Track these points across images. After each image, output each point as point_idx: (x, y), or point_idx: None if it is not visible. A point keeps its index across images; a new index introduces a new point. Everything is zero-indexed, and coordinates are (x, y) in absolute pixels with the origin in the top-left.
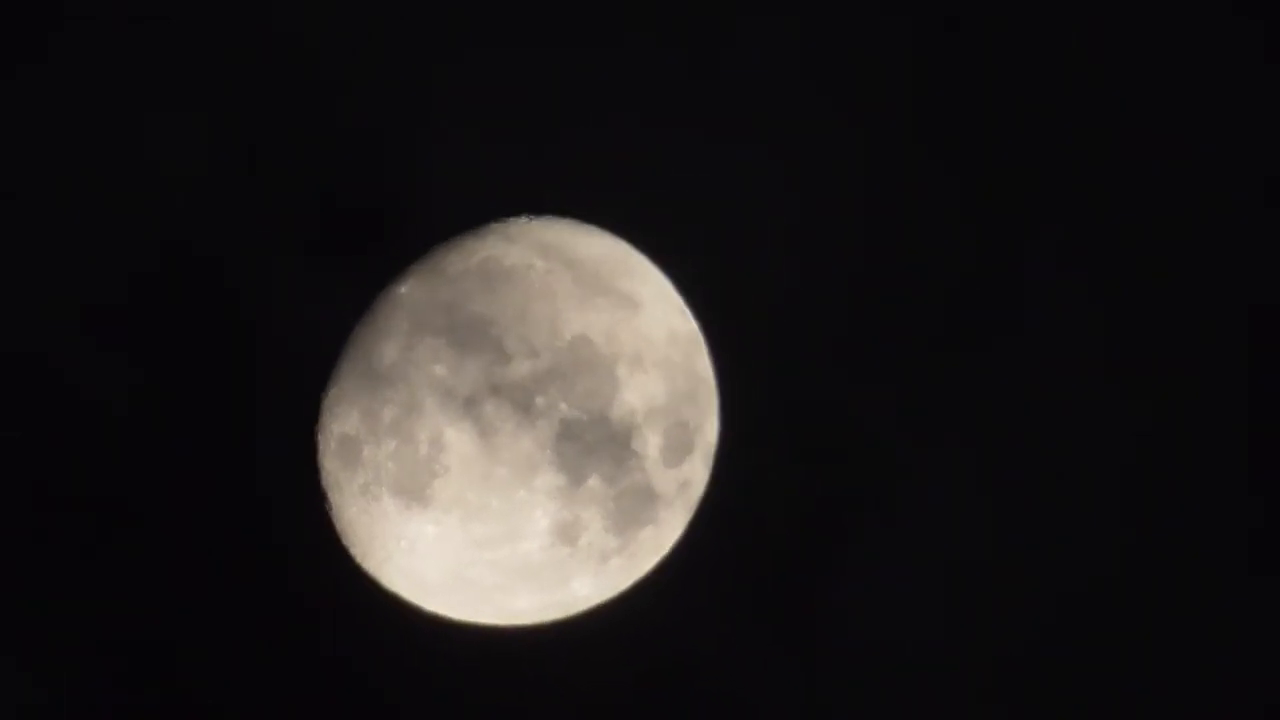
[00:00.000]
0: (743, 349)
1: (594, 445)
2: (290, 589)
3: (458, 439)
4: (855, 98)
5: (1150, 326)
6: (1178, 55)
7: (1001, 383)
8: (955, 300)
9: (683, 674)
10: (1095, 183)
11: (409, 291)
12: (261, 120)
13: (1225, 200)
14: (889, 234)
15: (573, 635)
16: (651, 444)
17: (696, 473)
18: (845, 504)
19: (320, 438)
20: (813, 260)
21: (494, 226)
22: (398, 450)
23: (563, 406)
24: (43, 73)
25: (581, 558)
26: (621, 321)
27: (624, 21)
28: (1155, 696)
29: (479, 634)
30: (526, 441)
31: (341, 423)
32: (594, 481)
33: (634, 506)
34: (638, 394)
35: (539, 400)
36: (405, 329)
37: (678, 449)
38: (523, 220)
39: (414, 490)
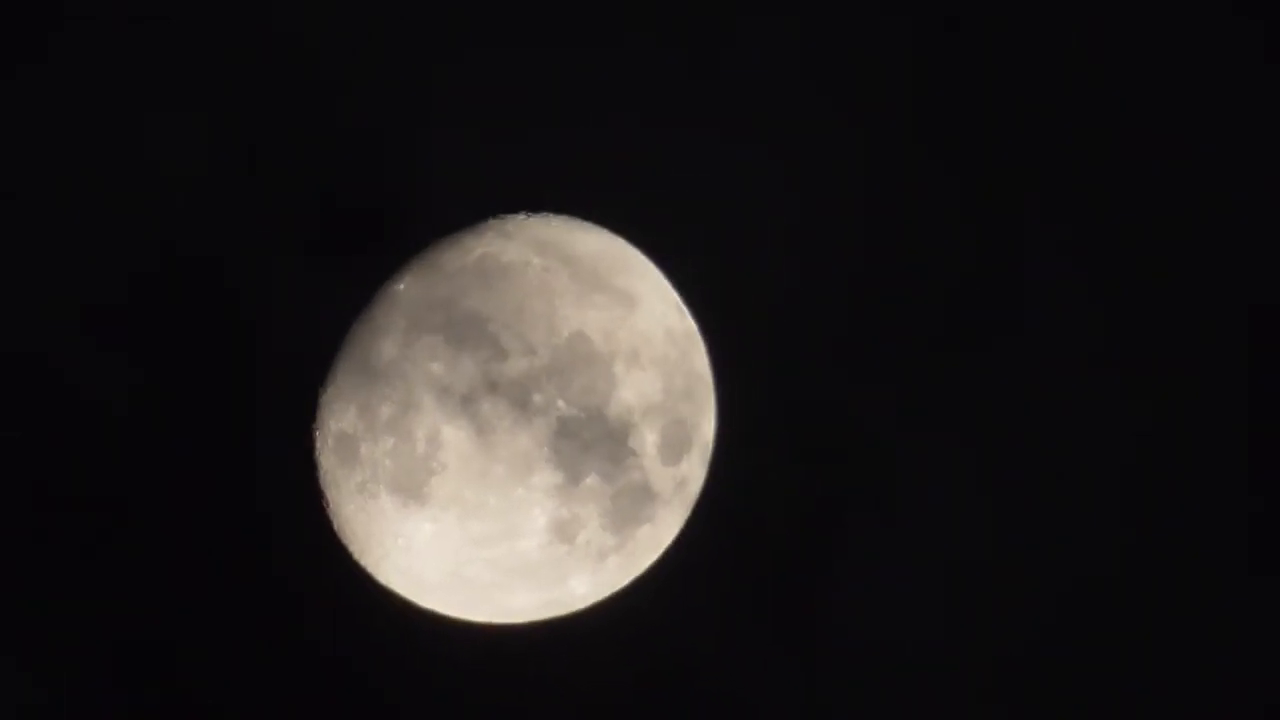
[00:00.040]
0: (740, 346)
1: (591, 443)
2: (288, 586)
3: (455, 436)
4: (855, 98)
5: (1150, 326)
6: (1178, 55)
7: (1001, 383)
8: (955, 300)
9: (680, 672)
10: (1095, 183)
11: (406, 289)
12: (261, 120)
13: (1225, 200)
14: (889, 233)
15: (570, 633)
16: (649, 442)
17: (694, 471)
18: (843, 502)
19: (317, 435)
20: (812, 259)
21: (492, 223)
22: (395, 448)
23: (560, 404)
24: (43, 73)
25: (579, 556)
26: (619, 319)
27: (623, 21)
28: (1155, 696)
29: (476, 632)
30: (524, 439)
31: (339, 420)
32: (592, 479)
33: (631, 505)
34: (635, 391)
35: (536, 398)
36: (403, 326)
37: (675, 447)
38: (520, 217)
39: (411, 488)
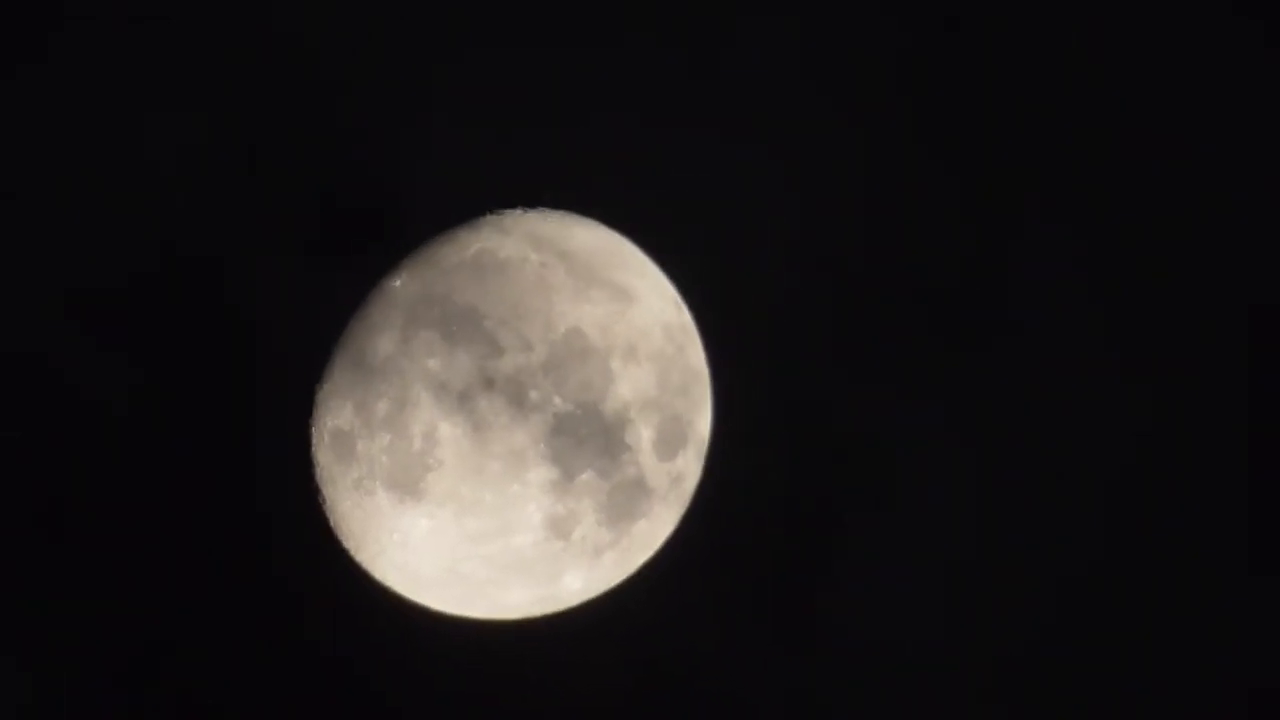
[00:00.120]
0: (737, 343)
1: (587, 439)
2: (284, 582)
3: (451, 433)
4: (854, 97)
5: (1150, 326)
6: (1178, 55)
7: (1001, 382)
8: (953, 299)
9: (675, 669)
10: (1095, 183)
11: (403, 285)
12: (261, 120)
13: (1225, 200)
14: (887, 230)
15: (565, 629)
16: (644, 437)
17: (690, 467)
18: (840, 499)
19: (314, 432)
20: (810, 256)
21: (488, 219)
22: (391, 444)
23: (556, 400)
24: (43, 73)
25: (575, 552)
26: (615, 314)
27: (619, 20)
28: (1154, 696)
29: (472, 628)
30: (520, 435)
31: (335, 417)
32: (587, 475)
33: (627, 501)
34: (631, 387)
35: (533, 394)
36: (399, 323)
37: (671, 443)
38: (517, 212)
39: (407, 484)
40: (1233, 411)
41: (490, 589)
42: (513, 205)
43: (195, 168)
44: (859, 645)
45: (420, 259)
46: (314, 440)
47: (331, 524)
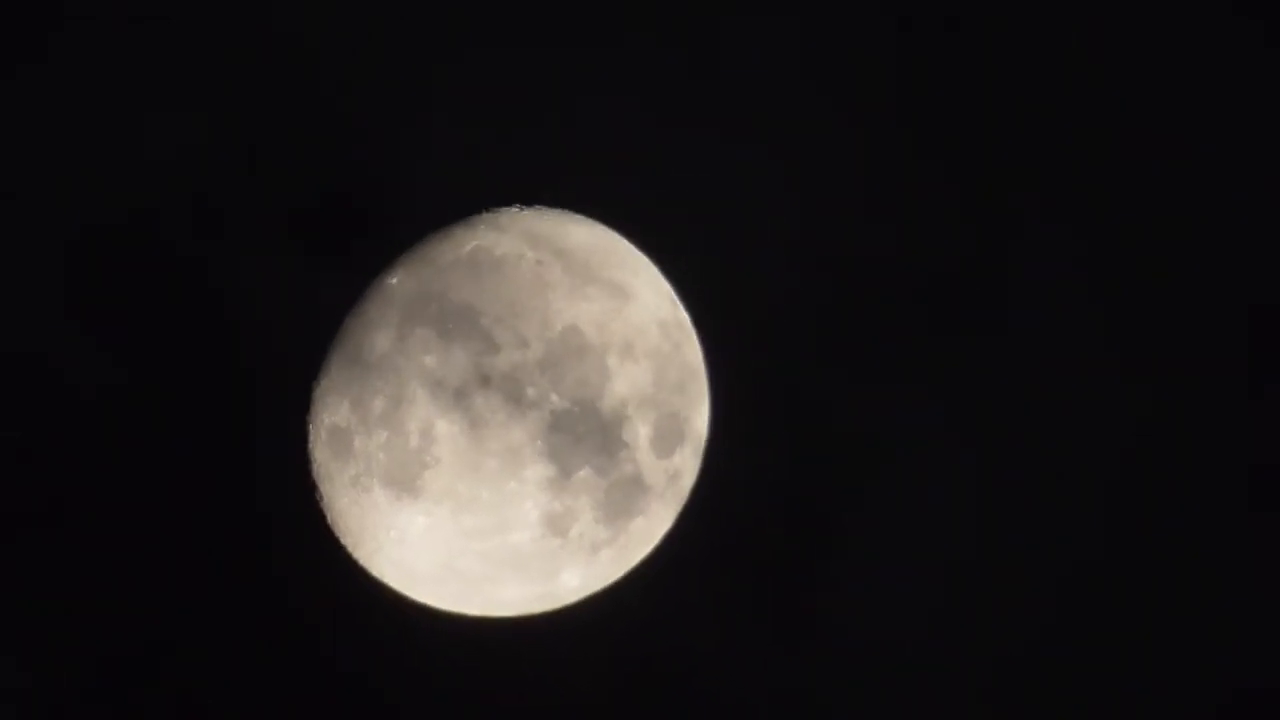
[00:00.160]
0: (734, 340)
1: (584, 436)
2: (281, 579)
3: (448, 430)
4: (852, 95)
5: (1149, 326)
6: (1178, 55)
7: (1000, 381)
8: (953, 298)
9: (672, 666)
10: (1094, 183)
11: (399, 282)
12: (261, 120)
13: (1225, 200)
14: (886, 230)
15: (562, 627)
16: (642, 435)
17: (687, 464)
18: (836, 497)
19: (311, 429)
20: (808, 254)
21: (484, 216)
22: (388, 441)
23: (553, 398)
24: (43, 73)
25: (572, 549)
26: (612, 311)
27: (616, 19)
28: (1155, 696)
29: (468, 625)
30: (517, 432)
31: (332, 414)
32: (584, 473)
33: (624, 498)
34: (628, 384)
35: (530, 391)
36: (395, 320)
37: (668, 440)
38: (513, 210)
39: (404, 481)
40: (1231, 411)
41: (487, 586)
42: (509, 203)
43: (195, 168)
44: (856, 643)
45: (417, 256)
46: (311, 437)
47: (329, 521)
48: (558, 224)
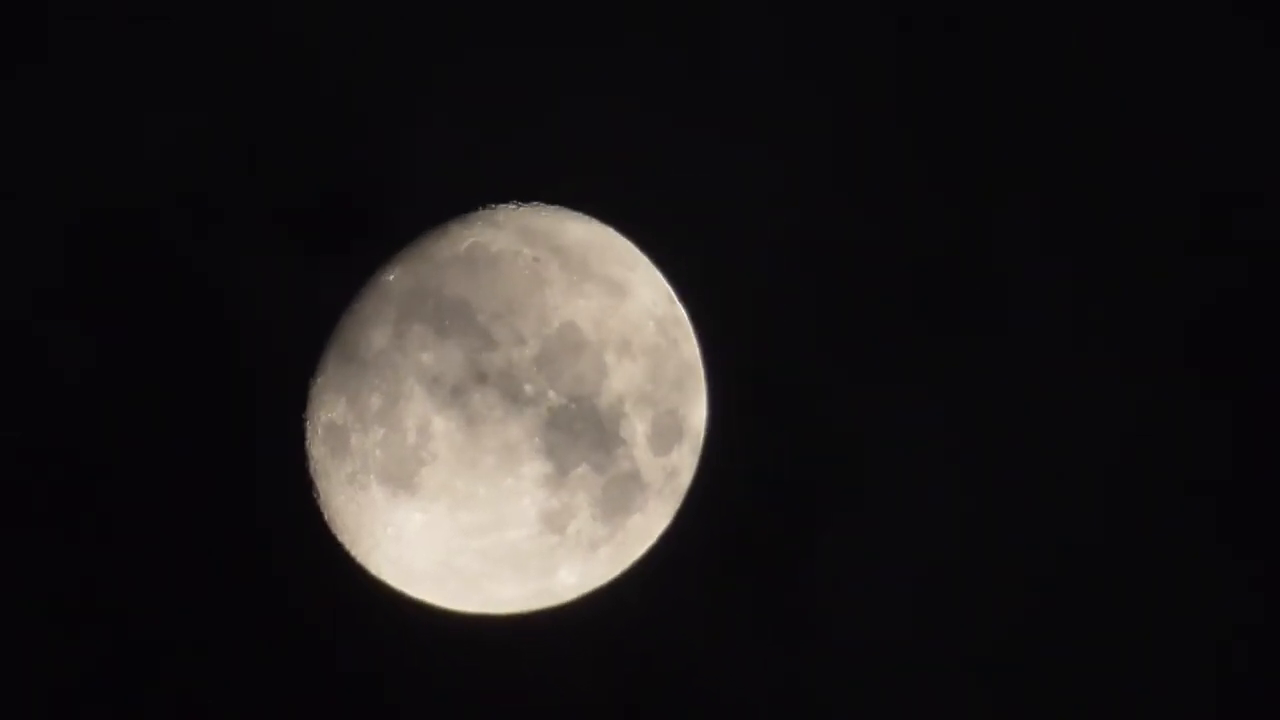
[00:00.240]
0: (731, 337)
1: (582, 433)
2: (278, 577)
3: (445, 427)
4: (852, 95)
5: (1148, 325)
6: (1178, 55)
7: (1000, 381)
8: (953, 297)
9: (669, 664)
10: (1094, 183)
11: (396, 279)
12: (261, 120)
13: (1225, 200)
14: (885, 229)
15: (559, 624)
16: (639, 431)
17: (684, 461)
18: (834, 494)
19: (308, 426)
20: (806, 253)
21: (481, 213)
22: (385, 438)
23: (551, 394)
24: (43, 73)
25: (570, 546)
26: (609, 308)
27: (614, 19)
28: (1153, 695)
29: (465, 622)
30: (514, 429)
31: (329, 411)
32: (582, 470)
33: (622, 495)
34: (625, 381)
35: (527, 388)
36: (392, 317)
37: (665, 437)
38: (510, 207)
39: (401, 478)
40: (1231, 410)
41: (484, 583)
42: (506, 200)
43: (195, 167)
44: (853, 640)
45: (413, 253)
46: (308, 434)
47: (326, 518)
48: (555, 221)
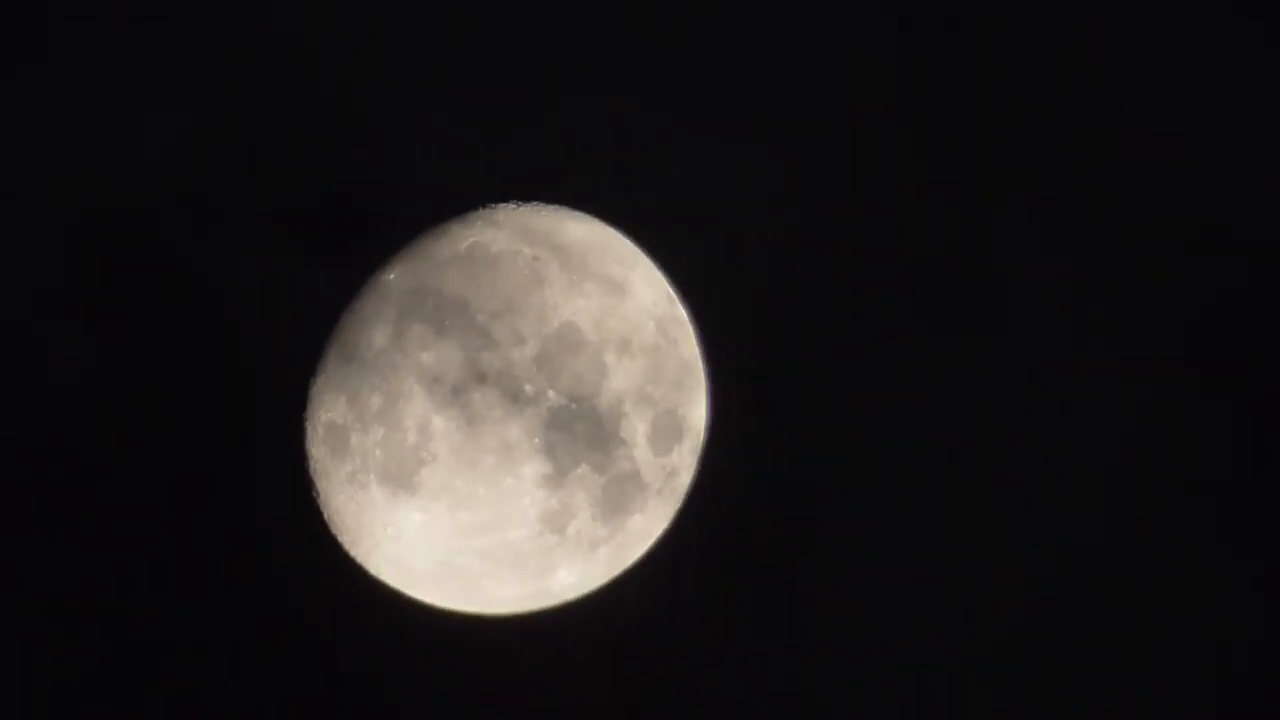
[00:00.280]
0: (732, 337)
1: (582, 433)
2: (278, 577)
3: (445, 427)
4: (852, 95)
5: (1148, 325)
6: (1178, 55)
7: (1000, 381)
8: (953, 297)
9: (669, 665)
10: (1094, 183)
11: (396, 279)
12: (261, 120)
13: (1225, 200)
14: (885, 228)
15: (559, 624)
16: (639, 431)
17: (684, 461)
18: (835, 494)
19: (308, 425)
20: (806, 252)
21: (481, 213)
22: (385, 438)
23: (551, 394)
24: (43, 73)
25: (569, 546)
26: (609, 308)
27: (612, 18)
28: (1153, 695)
29: (465, 622)
30: (514, 429)
31: (329, 411)
32: (582, 470)
33: (621, 495)
34: (625, 380)
35: (527, 388)
36: (392, 316)
37: (665, 437)
38: (510, 206)
39: (401, 478)
40: (1229, 410)
41: (484, 583)
42: (506, 200)
43: (195, 167)
44: (853, 641)
45: (413, 253)
46: (308, 434)
47: (326, 518)
48: (554, 220)
